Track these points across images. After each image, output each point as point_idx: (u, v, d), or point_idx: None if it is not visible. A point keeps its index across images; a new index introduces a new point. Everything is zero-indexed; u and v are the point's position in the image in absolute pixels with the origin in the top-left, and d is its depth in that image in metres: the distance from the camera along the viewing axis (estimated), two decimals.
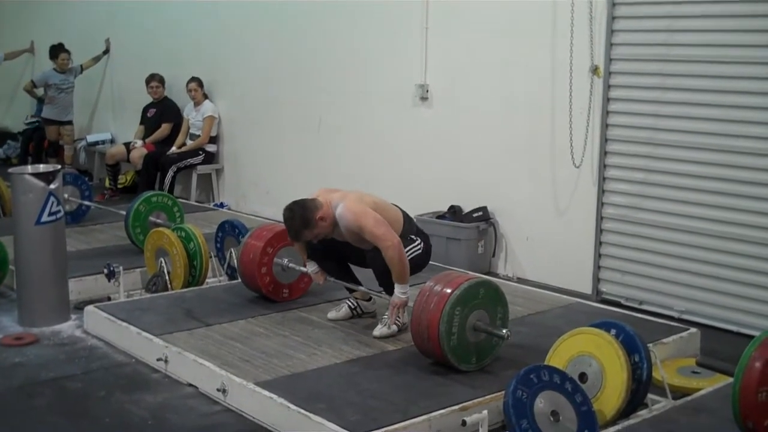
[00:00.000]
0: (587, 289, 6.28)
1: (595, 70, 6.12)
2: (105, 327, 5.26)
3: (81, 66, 11.05)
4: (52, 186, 5.45)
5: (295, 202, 4.85)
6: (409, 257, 4.80)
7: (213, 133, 9.56)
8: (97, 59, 11.19)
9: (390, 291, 4.82)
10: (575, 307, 5.61)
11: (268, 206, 8.67)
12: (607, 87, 6.06)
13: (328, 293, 5.60)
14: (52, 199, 5.44)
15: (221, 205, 9.38)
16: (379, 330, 4.91)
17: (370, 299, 5.22)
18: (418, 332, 4.37)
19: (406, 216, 5.06)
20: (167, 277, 5.90)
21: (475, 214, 6.89)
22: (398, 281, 4.72)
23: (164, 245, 5.94)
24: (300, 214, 4.78)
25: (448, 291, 4.28)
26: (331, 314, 5.23)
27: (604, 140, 6.12)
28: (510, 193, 6.86)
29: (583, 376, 3.91)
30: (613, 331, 3.98)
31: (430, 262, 5.16)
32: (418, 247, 4.96)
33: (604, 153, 6.13)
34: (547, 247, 6.65)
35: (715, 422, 3.79)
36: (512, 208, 6.86)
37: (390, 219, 4.85)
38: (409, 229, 5.01)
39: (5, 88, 13.13)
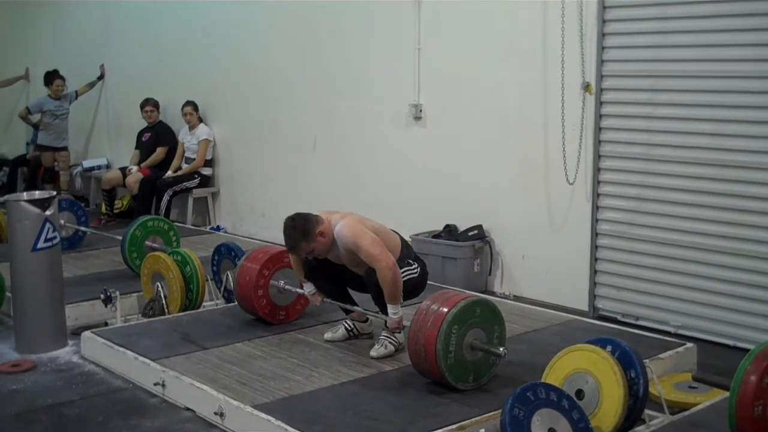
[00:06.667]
0: (583, 305, 6.28)
1: (586, 87, 6.15)
2: (102, 352, 5.26)
3: (76, 92, 11.09)
4: (47, 212, 5.46)
5: (297, 214, 4.87)
6: (405, 278, 4.81)
7: (208, 157, 9.59)
8: (91, 85, 11.23)
9: (387, 311, 4.82)
10: (572, 324, 5.62)
11: (264, 229, 8.68)
12: (599, 103, 6.09)
13: (325, 315, 5.60)
14: (48, 225, 5.45)
15: (217, 229, 9.40)
16: (375, 350, 4.91)
17: (366, 320, 5.22)
18: (415, 351, 4.37)
19: (404, 242, 5.09)
20: (164, 302, 5.90)
21: (470, 233, 6.90)
22: (390, 301, 4.73)
23: (160, 269, 5.94)
24: (301, 224, 4.79)
25: (445, 310, 4.29)
26: (328, 335, 5.23)
27: (598, 157, 6.14)
28: (505, 211, 6.88)
29: (579, 393, 3.91)
30: (609, 348, 3.98)
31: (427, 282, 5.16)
32: (415, 270, 4.97)
33: (597, 169, 6.15)
34: (542, 265, 6.66)
35: None
36: (507, 226, 6.88)
37: (388, 245, 4.85)
38: (407, 254, 5.04)
39: (0, 115, 13.15)
